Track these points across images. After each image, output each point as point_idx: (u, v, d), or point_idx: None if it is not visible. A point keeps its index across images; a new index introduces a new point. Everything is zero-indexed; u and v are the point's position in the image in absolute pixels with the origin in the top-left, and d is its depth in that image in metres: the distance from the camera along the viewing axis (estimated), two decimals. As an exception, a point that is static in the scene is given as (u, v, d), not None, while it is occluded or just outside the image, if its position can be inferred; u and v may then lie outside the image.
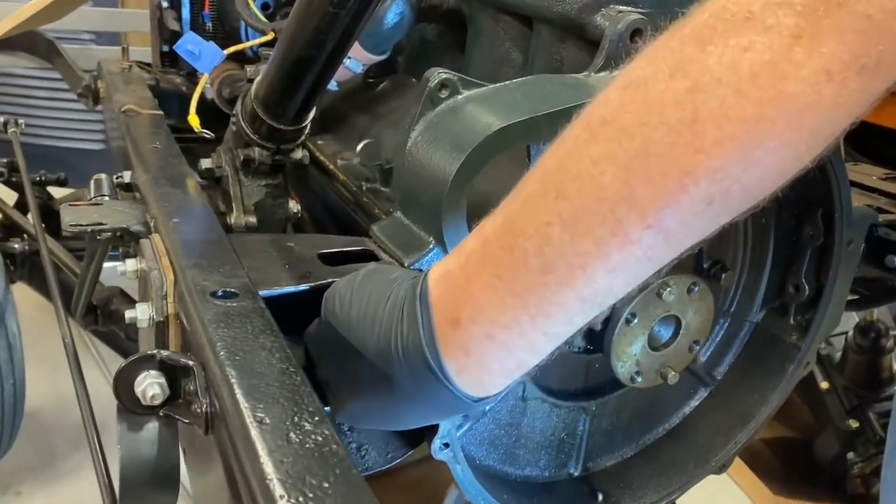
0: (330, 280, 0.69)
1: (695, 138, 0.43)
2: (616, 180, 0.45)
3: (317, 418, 0.47)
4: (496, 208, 0.53)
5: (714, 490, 1.95)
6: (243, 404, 0.48)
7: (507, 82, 0.77)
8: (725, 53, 0.43)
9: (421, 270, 0.63)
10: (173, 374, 0.57)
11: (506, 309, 0.50)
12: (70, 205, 0.79)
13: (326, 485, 0.41)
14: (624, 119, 0.46)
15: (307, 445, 0.44)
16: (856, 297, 1.26)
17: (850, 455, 1.80)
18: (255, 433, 0.45)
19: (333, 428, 0.47)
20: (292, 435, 0.45)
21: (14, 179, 1.78)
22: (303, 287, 0.69)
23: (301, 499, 0.40)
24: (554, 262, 0.48)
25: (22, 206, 1.83)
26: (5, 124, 1.68)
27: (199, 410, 0.53)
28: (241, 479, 0.45)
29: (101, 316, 1.25)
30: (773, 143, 0.43)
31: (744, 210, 0.48)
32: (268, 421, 0.46)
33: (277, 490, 0.40)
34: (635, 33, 0.79)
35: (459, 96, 0.75)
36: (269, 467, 0.42)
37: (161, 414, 0.57)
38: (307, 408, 0.48)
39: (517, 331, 0.50)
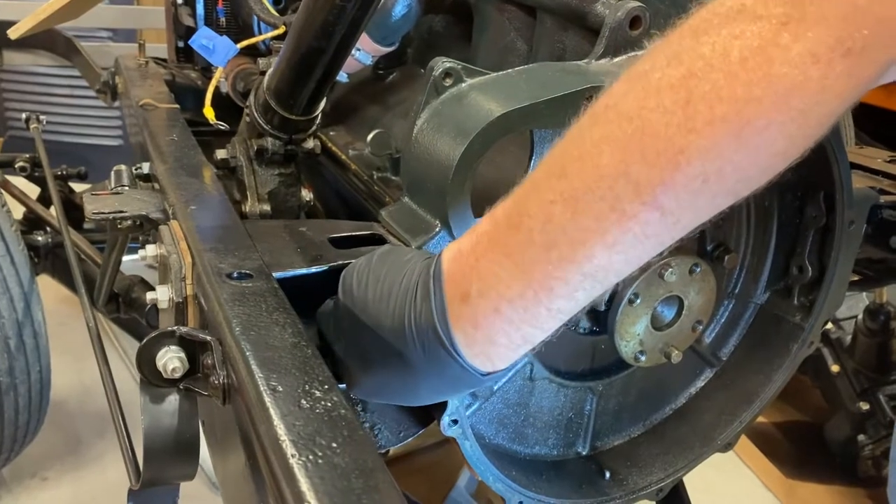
0: (341, 262, 0.72)
1: (688, 119, 0.46)
2: (613, 159, 0.48)
3: (326, 387, 0.50)
4: (507, 193, 0.56)
5: (725, 473, 1.96)
6: (258, 374, 0.51)
7: (509, 70, 0.79)
8: (718, 42, 0.46)
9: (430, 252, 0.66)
10: (192, 349, 0.60)
11: (512, 284, 0.53)
12: (92, 194, 0.82)
13: (335, 445, 0.44)
14: (624, 104, 0.49)
15: (317, 410, 0.47)
16: (861, 277, 1.27)
17: (861, 437, 1.80)
18: (268, 400, 0.48)
19: (343, 398, 0.50)
20: (303, 401, 0.48)
21: (36, 174, 1.83)
22: (314, 269, 0.72)
23: (311, 457, 0.43)
24: (556, 238, 0.51)
25: (44, 200, 1.88)
26: (27, 121, 1.72)
27: (216, 382, 0.56)
28: (256, 442, 0.48)
29: (123, 304, 1.29)
30: (761, 122, 0.45)
31: (743, 192, 0.50)
32: (280, 389, 0.49)
33: (289, 450, 0.43)
34: (634, 21, 0.80)
35: (463, 84, 0.77)
36: (281, 430, 0.45)
37: (181, 387, 0.60)
38: (317, 377, 0.51)
39: (522, 305, 0.53)
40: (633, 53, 0.81)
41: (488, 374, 0.58)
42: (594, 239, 0.50)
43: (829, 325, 1.87)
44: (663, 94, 0.47)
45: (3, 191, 1.53)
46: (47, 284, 1.68)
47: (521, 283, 0.52)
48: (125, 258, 1.21)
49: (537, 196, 0.52)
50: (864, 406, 1.80)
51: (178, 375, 0.59)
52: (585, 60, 0.82)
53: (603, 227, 0.49)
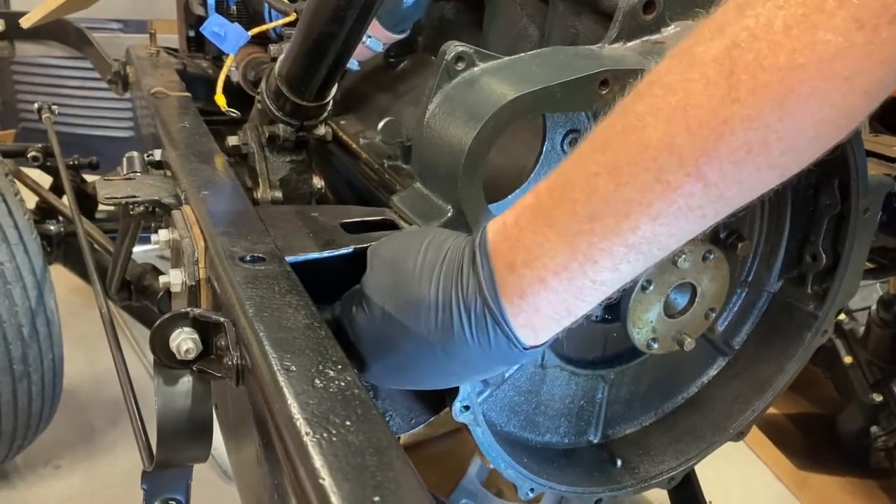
0: (353, 247, 0.72)
1: (731, 89, 0.46)
2: (657, 131, 0.49)
3: (340, 367, 0.50)
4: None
5: (737, 464, 1.95)
6: (271, 355, 0.51)
7: (522, 54, 0.79)
8: (762, 13, 0.46)
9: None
10: (206, 330, 0.60)
11: (556, 255, 0.53)
12: (105, 179, 0.82)
13: (349, 423, 0.44)
14: (668, 78, 0.49)
15: (331, 389, 0.47)
16: (875, 266, 1.26)
17: (874, 429, 1.79)
18: (282, 380, 0.48)
19: (357, 379, 0.50)
20: (317, 381, 0.48)
21: (49, 164, 1.83)
22: (327, 254, 0.72)
23: (325, 435, 0.43)
24: (600, 209, 0.51)
25: (56, 189, 1.88)
26: (39, 110, 1.72)
27: (230, 363, 0.56)
28: (270, 422, 0.48)
29: (135, 291, 1.29)
30: (805, 90, 0.45)
31: (790, 166, 0.49)
32: (294, 369, 0.49)
33: (303, 428, 0.43)
34: (648, 5, 0.80)
35: (475, 68, 0.77)
36: (295, 409, 0.45)
37: (195, 368, 0.61)
38: (331, 357, 0.51)
39: (566, 276, 0.54)
40: (646, 38, 0.80)
41: (530, 347, 0.59)
42: (638, 211, 0.50)
43: (842, 316, 1.85)
44: (707, 65, 0.47)
45: (16, 180, 1.53)
46: (59, 274, 1.69)
47: (565, 255, 0.53)
48: (136, 249, 1.22)
49: (581, 168, 0.53)
50: (877, 397, 1.79)
51: (191, 357, 0.59)
52: (599, 45, 0.81)
53: (647, 199, 0.49)
